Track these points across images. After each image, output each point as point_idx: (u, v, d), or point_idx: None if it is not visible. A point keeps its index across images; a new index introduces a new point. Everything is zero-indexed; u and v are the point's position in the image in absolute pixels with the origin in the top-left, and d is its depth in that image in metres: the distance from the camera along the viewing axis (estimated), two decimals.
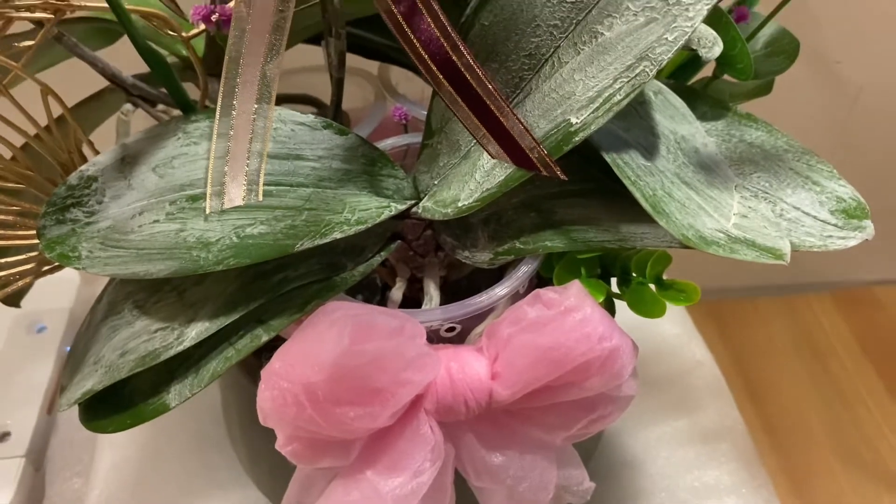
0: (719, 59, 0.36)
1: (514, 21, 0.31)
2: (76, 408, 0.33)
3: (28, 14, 0.30)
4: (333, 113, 0.39)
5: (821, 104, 0.70)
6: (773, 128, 0.36)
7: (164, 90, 0.39)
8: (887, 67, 0.69)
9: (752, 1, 0.39)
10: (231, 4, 0.33)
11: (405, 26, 0.30)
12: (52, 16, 0.30)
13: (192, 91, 0.37)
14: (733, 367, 0.81)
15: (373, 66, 0.48)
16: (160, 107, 0.41)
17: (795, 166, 0.34)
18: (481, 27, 0.31)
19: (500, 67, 0.31)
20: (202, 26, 0.33)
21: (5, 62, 0.29)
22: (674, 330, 0.55)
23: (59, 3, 0.30)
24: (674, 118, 0.34)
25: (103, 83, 0.40)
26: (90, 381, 0.33)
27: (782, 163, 0.35)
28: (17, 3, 0.29)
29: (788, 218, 0.32)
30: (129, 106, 0.40)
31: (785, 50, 0.38)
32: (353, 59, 0.39)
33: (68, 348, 0.54)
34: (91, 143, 0.36)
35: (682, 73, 0.40)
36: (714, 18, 0.35)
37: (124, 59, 0.38)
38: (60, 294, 0.58)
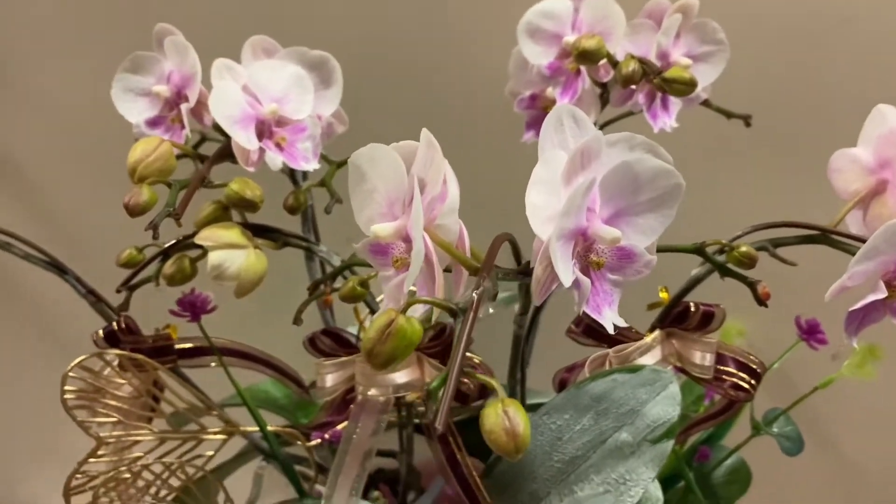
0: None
1: (522, 471, 0.45)
2: None
3: (213, 437, 0.47)
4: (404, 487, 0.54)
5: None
6: None
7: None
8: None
9: (718, 435, 0.52)
10: (340, 427, 0.50)
11: (448, 469, 0.45)
12: (227, 437, 0.48)
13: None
14: None
15: None
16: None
17: None
18: (500, 471, 0.46)
19: (511, 500, 0.45)
20: (318, 441, 0.50)
21: (201, 469, 0.46)
22: None
23: (233, 428, 0.47)
24: None
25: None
26: None
27: None
28: (209, 432, 0.47)
29: None
30: (264, 463, 0.57)
31: (740, 479, 0.50)
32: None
33: None
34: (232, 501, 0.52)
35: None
36: (676, 459, 0.48)
37: None
38: None
